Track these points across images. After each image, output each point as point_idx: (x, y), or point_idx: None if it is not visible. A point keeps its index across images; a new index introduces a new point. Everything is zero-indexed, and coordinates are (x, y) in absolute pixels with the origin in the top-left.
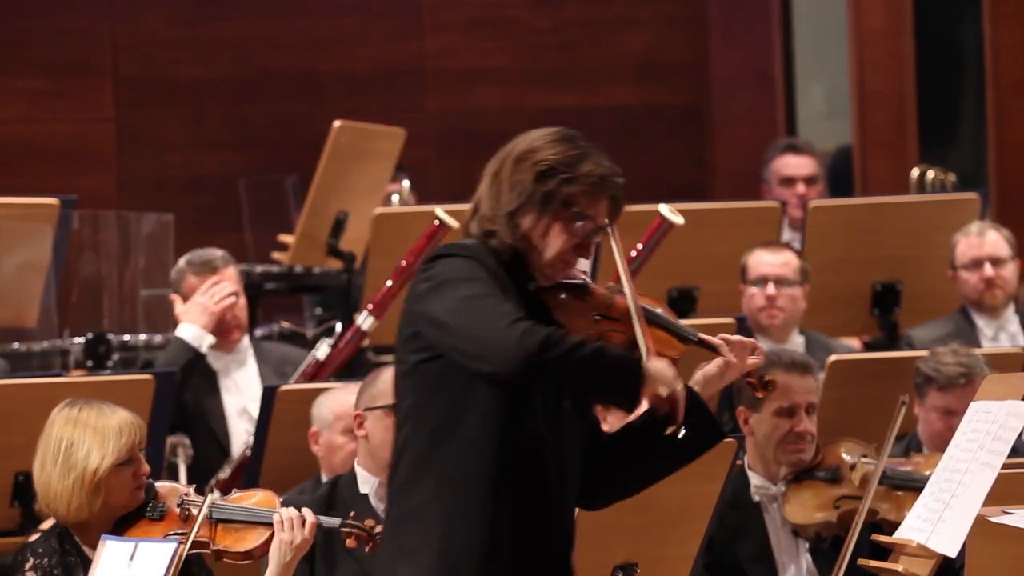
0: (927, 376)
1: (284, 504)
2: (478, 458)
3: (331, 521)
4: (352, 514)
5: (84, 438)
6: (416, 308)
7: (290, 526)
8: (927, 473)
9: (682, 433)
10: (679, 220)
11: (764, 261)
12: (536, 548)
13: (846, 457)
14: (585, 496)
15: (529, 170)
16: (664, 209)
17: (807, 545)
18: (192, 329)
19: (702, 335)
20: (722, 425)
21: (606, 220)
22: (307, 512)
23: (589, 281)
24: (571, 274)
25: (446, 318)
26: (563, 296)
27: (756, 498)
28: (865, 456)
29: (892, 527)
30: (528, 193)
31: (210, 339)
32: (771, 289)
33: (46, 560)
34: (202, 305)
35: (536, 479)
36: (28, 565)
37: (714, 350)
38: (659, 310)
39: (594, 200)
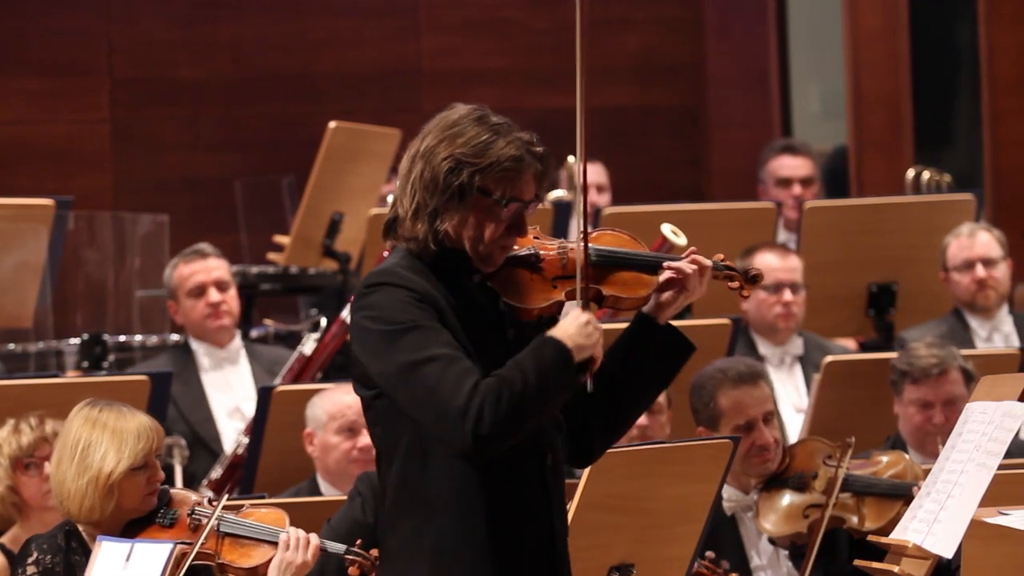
0: (901, 371)
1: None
2: (455, 479)
3: (336, 547)
4: (358, 542)
5: (102, 440)
6: (363, 356)
7: (295, 547)
8: (887, 476)
9: (590, 387)
10: (682, 242)
11: (777, 267)
12: (533, 554)
13: (811, 461)
14: (578, 454)
15: (438, 167)
16: (667, 230)
17: (787, 552)
18: None
19: (665, 264)
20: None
21: (534, 195)
22: (312, 536)
23: (538, 249)
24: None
25: (398, 393)
26: (519, 272)
27: (729, 512)
28: (829, 458)
29: (860, 534)
30: (443, 192)
31: None
32: (788, 295)
33: (49, 556)
34: None
35: (522, 482)
36: (31, 559)
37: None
38: (625, 250)
39: (514, 181)
